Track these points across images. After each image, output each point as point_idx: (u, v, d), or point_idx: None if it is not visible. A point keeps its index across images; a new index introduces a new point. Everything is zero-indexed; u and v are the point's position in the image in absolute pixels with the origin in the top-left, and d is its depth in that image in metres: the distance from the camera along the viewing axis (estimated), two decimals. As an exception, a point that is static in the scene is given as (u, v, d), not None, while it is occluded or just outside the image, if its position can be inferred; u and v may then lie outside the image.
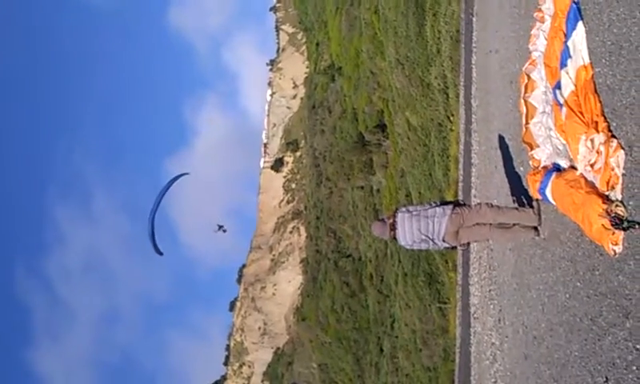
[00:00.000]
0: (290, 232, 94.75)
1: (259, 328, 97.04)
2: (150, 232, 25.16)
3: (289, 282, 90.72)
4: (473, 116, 14.61)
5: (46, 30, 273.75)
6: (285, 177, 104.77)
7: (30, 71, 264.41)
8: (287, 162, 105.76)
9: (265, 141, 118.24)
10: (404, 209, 8.47)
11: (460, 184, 16.41)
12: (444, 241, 8.23)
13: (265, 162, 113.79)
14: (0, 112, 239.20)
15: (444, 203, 8.47)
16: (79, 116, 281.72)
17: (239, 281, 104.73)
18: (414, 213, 8.29)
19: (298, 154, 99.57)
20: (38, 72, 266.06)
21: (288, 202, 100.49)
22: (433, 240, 8.25)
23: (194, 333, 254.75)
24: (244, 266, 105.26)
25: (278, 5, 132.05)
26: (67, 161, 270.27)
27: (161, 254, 27.02)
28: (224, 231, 52.97)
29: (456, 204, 8.51)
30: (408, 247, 8.57)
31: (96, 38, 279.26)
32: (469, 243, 8.93)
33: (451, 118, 19.65)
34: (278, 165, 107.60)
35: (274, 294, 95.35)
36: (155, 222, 25.24)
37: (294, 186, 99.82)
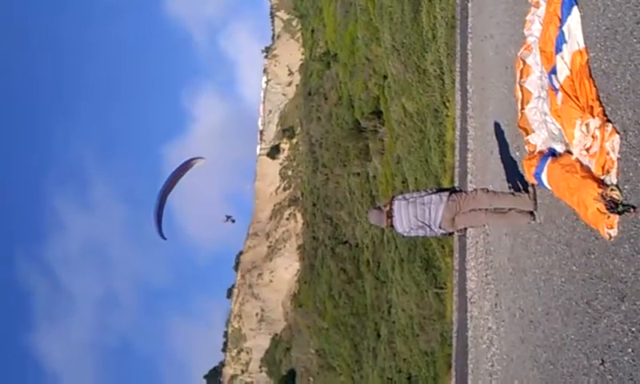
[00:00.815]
0: (287, 219, 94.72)
1: (257, 315, 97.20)
2: (156, 215, 25.03)
3: (286, 269, 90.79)
4: (468, 102, 14.62)
5: (42, 18, 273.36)
6: (281, 164, 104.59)
7: (26, 60, 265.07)
8: (283, 149, 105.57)
9: (260, 128, 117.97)
10: (400, 196, 8.52)
11: (456, 170, 16.43)
12: (440, 227, 8.29)
13: (261, 149, 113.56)
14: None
15: (440, 190, 8.52)
16: (76, 104, 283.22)
17: (236, 268, 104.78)
18: (411, 200, 8.34)
19: (294, 140, 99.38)
20: (34, 61, 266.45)
21: (284, 189, 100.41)
22: (429, 226, 8.31)
23: (192, 319, 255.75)
24: (241, 252, 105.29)
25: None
26: (65, 149, 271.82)
27: (164, 238, 27.04)
28: (232, 221, 52.73)
29: (452, 190, 8.56)
30: (405, 234, 8.63)
31: (93, 27, 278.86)
32: (465, 229, 8.99)
33: (447, 104, 19.63)
34: (274, 152, 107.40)
35: (271, 281, 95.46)
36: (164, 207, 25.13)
37: (290, 172, 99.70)
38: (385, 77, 33.44)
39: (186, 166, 25.70)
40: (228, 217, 51.36)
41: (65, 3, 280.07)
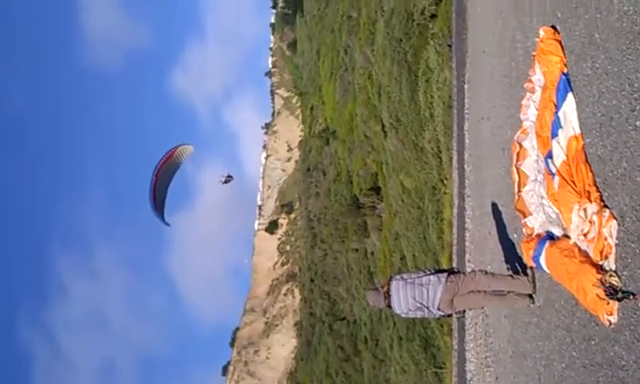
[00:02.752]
0: (285, 294, 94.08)
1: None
2: (154, 203, 24.56)
3: (282, 346, 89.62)
4: (466, 181, 14.71)
5: (51, 91, 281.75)
6: (279, 239, 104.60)
7: (36, 128, 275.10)
8: (282, 225, 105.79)
9: (259, 203, 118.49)
10: (398, 276, 8.45)
11: (454, 248, 16.40)
12: (439, 309, 8.20)
13: (259, 223, 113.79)
14: (7, 165, 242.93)
15: (438, 271, 8.47)
16: (84, 173, 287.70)
17: (232, 344, 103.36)
18: (409, 280, 8.28)
19: (293, 216, 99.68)
20: (44, 130, 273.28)
21: (282, 265, 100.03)
22: (428, 308, 8.21)
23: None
24: (237, 328, 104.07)
25: (273, 70, 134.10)
26: (70, 214, 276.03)
27: (168, 224, 26.64)
28: (230, 178, 49.27)
29: (450, 271, 8.50)
30: (403, 315, 8.53)
31: (102, 99, 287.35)
32: (464, 311, 8.88)
33: (445, 181, 19.75)
34: (272, 227, 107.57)
35: (267, 358, 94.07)
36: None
37: (288, 248, 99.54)
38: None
39: (173, 153, 25.16)
40: (227, 177, 47.96)
41: (74, 77, 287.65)
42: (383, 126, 30.42)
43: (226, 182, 45.17)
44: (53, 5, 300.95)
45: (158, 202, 25.25)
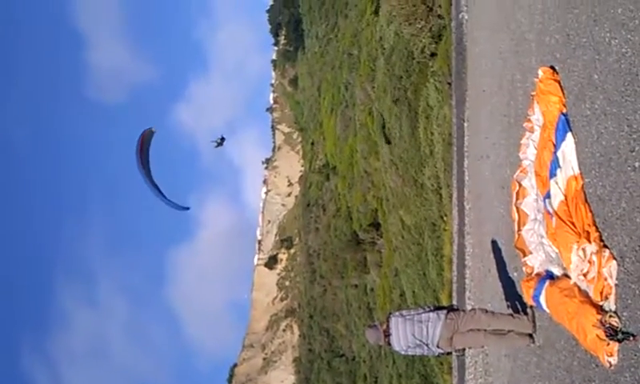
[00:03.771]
0: (283, 330, 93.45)
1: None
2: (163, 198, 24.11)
3: (281, 382, 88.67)
4: (466, 218, 14.70)
5: (55, 123, 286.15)
6: (278, 274, 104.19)
7: (41, 162, 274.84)
8: (281, 260, 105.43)
9: (259, 237, 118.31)
10: (397, 313, 8.42)
11: (454, 285, 16.33)
12: (438, 346, 8.15)
13: (259, 258, 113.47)
14: (10, 196, 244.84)
15: (438, 308, 8.43)
16: (87, 205, 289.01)
17: (230, 380, 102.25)
18: (408, 317, 8.24)
19: (292, 251, 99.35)
20: (49, 163, 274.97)
21: (281, 300, 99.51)
22: (427, 345, 8.17)
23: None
24: (235, 365, 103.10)
25: (274, 105, 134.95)
26: (73, 247, 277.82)
27: (187, 208, 26.23)
28: (224, 140, 46.92)
29: (450, 309, 8.47)
30: (402, 352, 8.48)
31: (105, 132, 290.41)
32: (464, 349, 8.82)
33: (444, 218, 19.75)
34: (271, 262, 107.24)
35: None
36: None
37: (287, 283, 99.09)
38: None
39: (143, 139, 24.58)
40: (219, 139, 45.37)
41: (77, 107, 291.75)
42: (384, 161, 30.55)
43: (218, 145, 43.43)
44: (62, 41, 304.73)
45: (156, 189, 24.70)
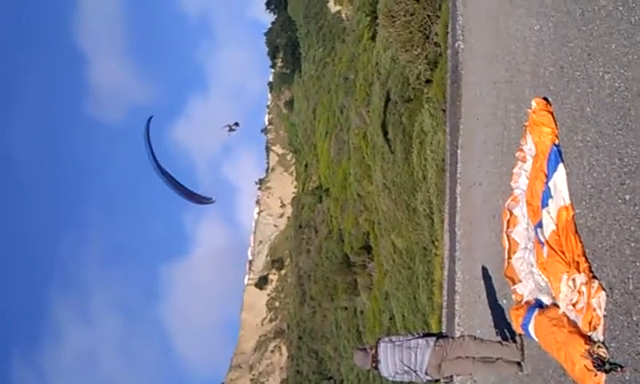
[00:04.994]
0: (272, 351, 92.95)
1: None
2: (185, 194, 23.71)
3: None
4: (457, 244, 14.74)
5: (54, 141, 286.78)
6: (269, 295, 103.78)
7: (39, 178, 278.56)
8: (272, 280, 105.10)
9: (250, 258, 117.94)
10: (387, 338, 8.42)
11: (444, 310, 16.33)
12: (426, 373, 8.13)
13: (249, 278, 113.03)
14: (8, 212, 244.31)
15: (427, 334, 8.43)
16: (83, 222, 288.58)
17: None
18: (397, 343, 8.24)
19: (283, 272, 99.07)
20: (47, 179, 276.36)
21: (271, 321, 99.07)
22: (415, 372, 8.15)
23: None
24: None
25: (269, 127, 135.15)
26: (67, 264, 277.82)
27: (212, 199, 25.73)
28: (237, 126, 44.84)
29: (439, 335, 8.48)
30: (390, 378, 8.46)
31: (106, 153, 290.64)
32: (452, 376, 8.82)
33: (436, 243, 19.76)
34: (262, 282, 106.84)
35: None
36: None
37: (277, 304, 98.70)
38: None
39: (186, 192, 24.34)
40: (232, 125, 42.78)
41: (75, 126, 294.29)
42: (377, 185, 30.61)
43: (231, 130, 41.52)
44: (64, 60, 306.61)
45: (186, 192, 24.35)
